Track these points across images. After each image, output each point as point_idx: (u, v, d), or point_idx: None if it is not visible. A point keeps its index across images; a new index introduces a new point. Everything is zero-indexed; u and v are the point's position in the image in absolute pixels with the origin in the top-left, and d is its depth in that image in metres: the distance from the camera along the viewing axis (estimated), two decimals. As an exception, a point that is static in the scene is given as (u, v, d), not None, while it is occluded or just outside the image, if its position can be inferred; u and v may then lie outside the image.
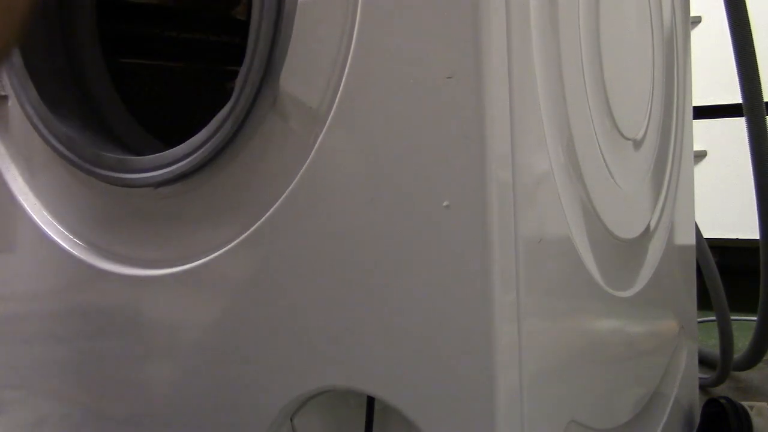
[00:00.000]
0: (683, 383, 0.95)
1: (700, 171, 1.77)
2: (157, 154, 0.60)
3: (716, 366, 1.19)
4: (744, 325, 1.44)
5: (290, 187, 0.55)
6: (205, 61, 0.94)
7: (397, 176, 0.51)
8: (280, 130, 0.56)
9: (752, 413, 1.02)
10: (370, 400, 0.57)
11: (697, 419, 1.04)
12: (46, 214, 0.69)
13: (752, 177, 0.97)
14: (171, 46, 0.90)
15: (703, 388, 1.22)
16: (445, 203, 0.49)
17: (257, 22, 0.54)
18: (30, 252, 0.70)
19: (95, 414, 0.68)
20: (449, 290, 0.50)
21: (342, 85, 0.52)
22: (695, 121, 1.01)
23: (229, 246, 0.58)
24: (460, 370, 0.50)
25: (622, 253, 0.73)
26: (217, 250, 0.58)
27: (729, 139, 1.70)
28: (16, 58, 0.66)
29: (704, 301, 1.13)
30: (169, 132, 0.69)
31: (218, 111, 0.57)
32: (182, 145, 0.59)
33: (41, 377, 0.71)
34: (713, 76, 1.53)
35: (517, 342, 0.51)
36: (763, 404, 1.06)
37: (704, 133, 1.73)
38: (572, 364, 0.62)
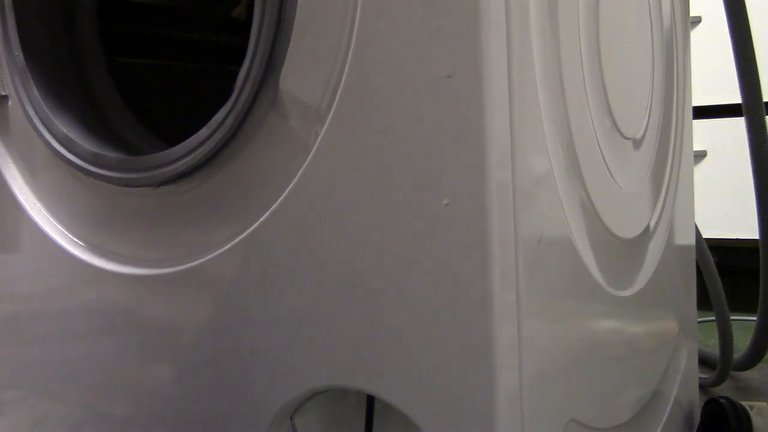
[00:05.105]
0: (683, 383, 0.95)
1: (700, 171, 1.77)
2: (157, 153, 0.60)
3: (716, 366, 1.19)
4: (744, 325, 1.44)
5: (290, 186, 0.55)
6: (204, 61, 0.94)
7: (396, 175, 0.51)
8: (280, 129, 0.56)
9: (752, 413, 1.02)
10: (370, 399, 0.57)
11: (697, 419, 1.04)
12: (46, 213, 0.69)
13: (752, 177, 0.97)
14: (171, 46, 0.90)
15: (703, 388, 1.22)
16: (444, 201, 0.49)
17: (259, 21, 0.54)
18: (30, 252, 0.70)
19: (95, 414, 0.68)
20: (449, 290, 0.50)
21: (342, 83, 0.52)
22: (695, 121, 1.01)
23: (230, 244, 0.57)
24: (460, 370, 0.50)
25: (622, 253, 0.73)
26: (218, 249, 0.58)
27: (729, 139, 1.70)
28: (18, 57, 0.66)
29: (704, 301, 1.13)
30: (170, 131, 0.69)
31: (218, 111, 0.57)
32: (182, 144, 0.59)
33: (41, 377, 0.71)
34: (713, 76, 1.53)
35: (517, 342, 0.51)
36: (763, 404, 1.07)
37: (704, 133, 1.73)
38: (572, 363, 0.62)
